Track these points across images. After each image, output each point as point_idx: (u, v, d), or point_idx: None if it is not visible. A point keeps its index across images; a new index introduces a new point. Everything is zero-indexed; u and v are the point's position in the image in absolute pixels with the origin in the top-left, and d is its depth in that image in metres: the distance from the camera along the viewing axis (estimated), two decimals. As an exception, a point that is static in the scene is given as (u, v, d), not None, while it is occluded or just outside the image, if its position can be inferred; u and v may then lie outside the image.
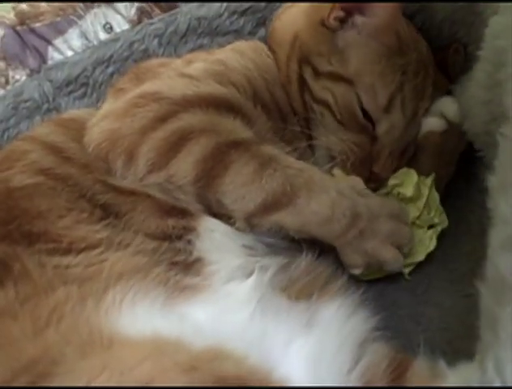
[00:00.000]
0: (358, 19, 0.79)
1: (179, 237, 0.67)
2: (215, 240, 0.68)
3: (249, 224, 0.68)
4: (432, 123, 0.82)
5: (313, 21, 0.83)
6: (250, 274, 0.66)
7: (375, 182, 0.79)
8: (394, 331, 0.70)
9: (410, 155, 0.83)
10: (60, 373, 0.49)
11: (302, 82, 0.82)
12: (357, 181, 0.74)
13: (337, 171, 0.79)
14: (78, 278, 0.60)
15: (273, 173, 0.66)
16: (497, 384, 0.51)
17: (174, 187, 0.68)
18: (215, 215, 0.69)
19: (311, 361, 0.60)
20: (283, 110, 0.82)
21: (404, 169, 0.81)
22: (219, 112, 0.71)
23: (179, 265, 0.64)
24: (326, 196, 0.66)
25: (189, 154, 0.67)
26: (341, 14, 0.80)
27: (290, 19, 0.87)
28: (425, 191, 0.78)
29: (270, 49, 0.87)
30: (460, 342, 0.69)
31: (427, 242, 0.79)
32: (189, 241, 0.67)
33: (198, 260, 0.66)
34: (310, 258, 0.70)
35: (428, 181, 0.79)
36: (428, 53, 0.84)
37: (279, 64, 0.85)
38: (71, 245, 0.63)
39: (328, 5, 0.81)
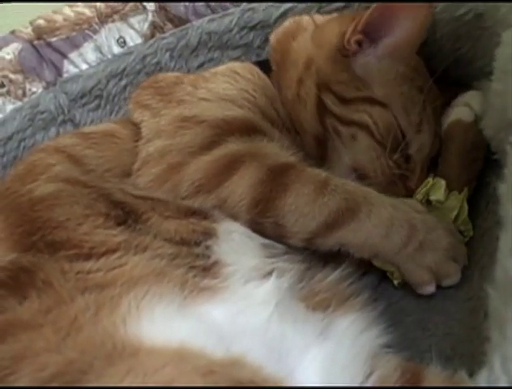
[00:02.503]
0: (379, 39, 0.78)
1: (198, 243, 0.66)
2: (234, 241, 0.67)
3: (311, 244, 0.68)
4: (460, 112, 0.81)
5: (327, 47, 0.81)
6: (267, 275, 0.66)
7: (407, 195, 0.78)
8: (402, 338, 0.70)
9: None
10: (90, 380, 0.50)
11: (323, 107, 0.80)
12: (410, 200, 0.73)
13: None
14: (99, 284, 0.60)
15: (335, 189, 0.67)
16: (503, 383, 0.52)
17: (225, 212, 0.67)
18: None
19: (324, 372, 0.60)
20: (287, 127, 0.82)
21: (429, 179, 0.79)
22: (249, 134, 0.72)
23: (197, 268, 0.64)
24: (384, 209, 0.67)
25: (243, 177, 0.67)
26: (360, 37, 0.78)
27: (301, 42, 0.85)
28: (457, 204, 0.77)
29: (273, 63, 0.87)
30: (463, 346, 0.69)
31: None
32: (207, 247, 0.66)
33: (216, 263, 0.65)
34: (336, 274, 0.70)
35: (461, 195, 0.78)
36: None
37: (285, 82, 0.83)
38: (92, 249, 0.63)
39: (334, 29, 0.81)
